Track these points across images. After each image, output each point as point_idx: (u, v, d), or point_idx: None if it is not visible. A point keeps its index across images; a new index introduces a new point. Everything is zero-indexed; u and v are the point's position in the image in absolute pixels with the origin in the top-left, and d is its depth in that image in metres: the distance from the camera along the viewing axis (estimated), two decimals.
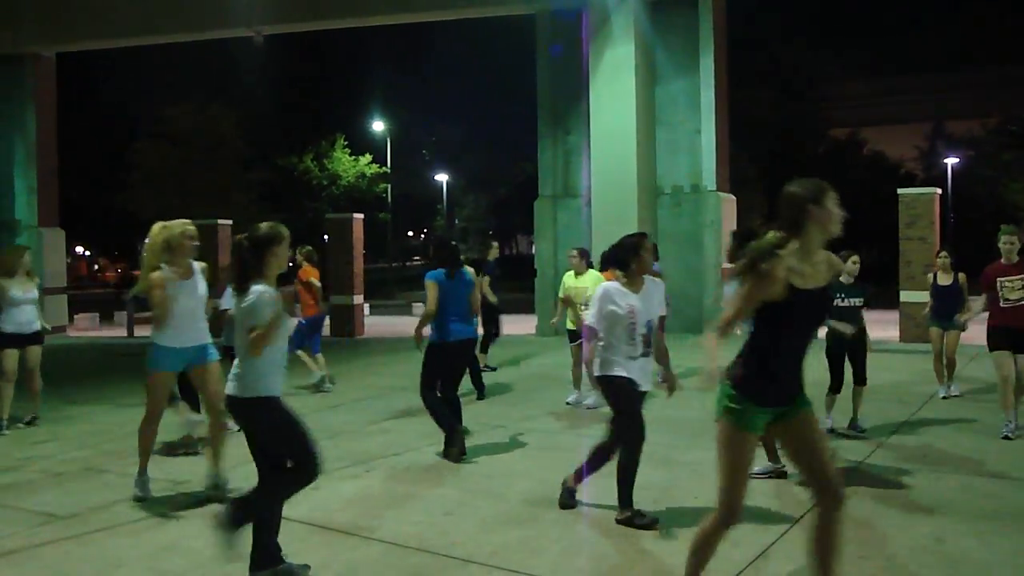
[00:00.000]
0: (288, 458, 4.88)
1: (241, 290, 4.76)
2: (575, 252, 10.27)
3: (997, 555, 4.98)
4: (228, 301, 7.81)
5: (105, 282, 65.70)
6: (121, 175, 42.17)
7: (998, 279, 7.98)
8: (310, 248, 12.05)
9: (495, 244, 14.54)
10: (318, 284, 11.91)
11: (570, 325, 10.15)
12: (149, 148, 41.76)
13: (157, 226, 6.55)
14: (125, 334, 22.76)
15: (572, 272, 10.23)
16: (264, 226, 4.87)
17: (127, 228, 50.15)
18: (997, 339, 8.00)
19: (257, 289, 4.69)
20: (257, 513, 4.81)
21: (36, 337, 9.54)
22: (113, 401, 11.24)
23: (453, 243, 8.40)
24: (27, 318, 9.38)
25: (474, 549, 5.21)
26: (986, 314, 8.21)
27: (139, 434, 6.60)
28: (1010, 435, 7.82)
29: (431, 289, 7.78)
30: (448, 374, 8.01)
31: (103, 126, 48.25)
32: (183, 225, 6.61)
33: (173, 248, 6.45)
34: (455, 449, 7.47)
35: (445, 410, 7.73)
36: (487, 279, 12.62)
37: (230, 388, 4.86)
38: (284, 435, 4.87)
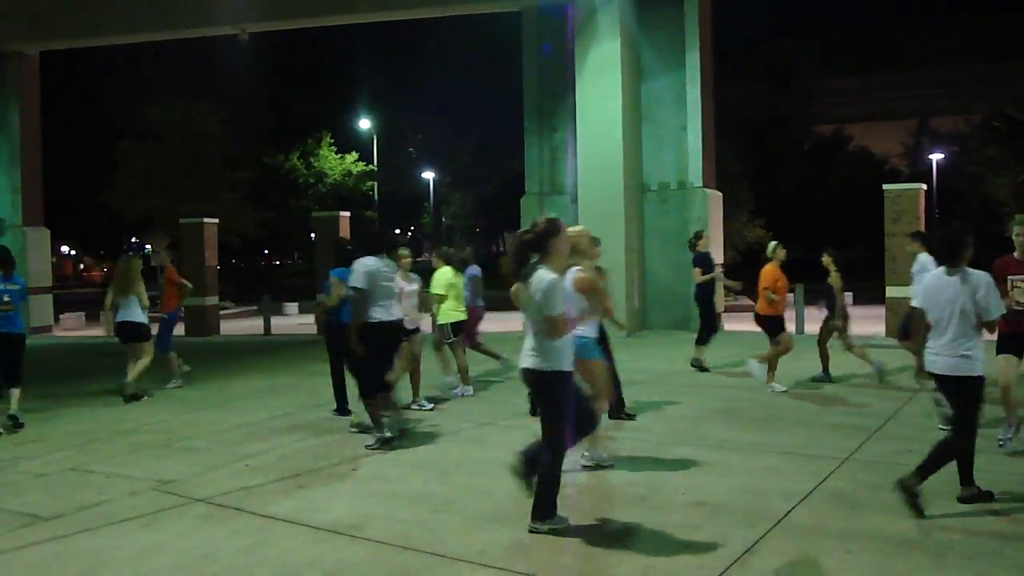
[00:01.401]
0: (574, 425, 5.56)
1: (519, 277, 5.47)
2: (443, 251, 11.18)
3: (983, 546, 4.99)
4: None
5: (91, 281, 65.46)
6: (106, 174, 41.94)
7: (1010, 277, 6.88)
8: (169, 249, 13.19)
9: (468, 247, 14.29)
10: (189, 285, 12.99)
11: (462, 316, 10.83)
12: (135, 147, 41.56)
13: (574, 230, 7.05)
14: (103, 333, 22.65)
15: (448, 268, 10.76)
16: (544, 220, 5.54)
17: (113, 227, 49.94)
18: (1006, 344, 7.04)
19: (548, 277, 5.33)
20: (543, 470, 5.46)
21: None
22: (99, 401, 11.18)
23: (348, 242, 9.90)
24: None
25: (461, 547, 5.20)
26: None
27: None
28: (1007, 441, 7.09)
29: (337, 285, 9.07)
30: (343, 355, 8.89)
31: (88, 125, 48.00)
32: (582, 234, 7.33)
33: (579, 251, 7.04)
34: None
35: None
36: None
37: (531, 363, 5.42)
38: (571, 406, 5.50)
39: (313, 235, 24.56)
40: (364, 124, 52.20)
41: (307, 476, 6.99)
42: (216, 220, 23.24)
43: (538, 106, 19.82)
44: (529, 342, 5.46)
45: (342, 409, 9.72)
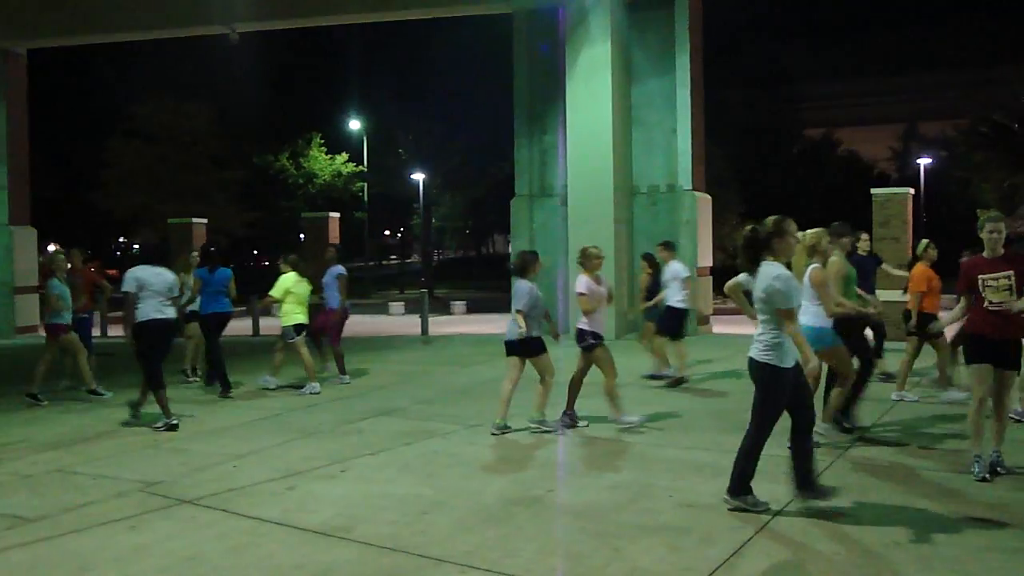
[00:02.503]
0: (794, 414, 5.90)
1: (751, 271, 5.86)
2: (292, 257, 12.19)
3: (968, 550, 5.01)
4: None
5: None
6: (94, 173, 41.81)
7: (980, 277, 6.56)
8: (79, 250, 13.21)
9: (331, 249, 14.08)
10: (109, 286, 13.50)
11: (301, 319, 11.77)
12: (123, 146, 41.43)
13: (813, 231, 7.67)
14: (98, 333, 22.53)
15: (293, 274, 11.76)
16: (773, 218, 6.00)
17: (101, 227, 49.76)
18: (978, 350, 6.60)
19: (781, 274, 5.67)
20: (743, 449, 5.86)
21: None
22: (86, 401, 11.13)
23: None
24: None
25: (450, 548, 5.19)
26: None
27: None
28: (987, 476, 6.41)
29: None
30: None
31: (76, 124, 47.82)
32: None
33: (818, 251, 7.60)
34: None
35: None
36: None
37: (752, 351, 5.75)
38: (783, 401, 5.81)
39: (303, 236, 24.42)
40: (354, 125, 52.13)
41: (295, 477, 6.97)
42: (205, 220, 23.19)
43: (528, 108, 19.82)
44: (757, 331, 5.79)
45: (225, 389, 11.22)
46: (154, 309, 9.02)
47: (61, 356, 11.63)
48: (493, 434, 8.45)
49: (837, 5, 76.33)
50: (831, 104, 64.82)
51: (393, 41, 58.84)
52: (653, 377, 11.88)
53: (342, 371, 12.38)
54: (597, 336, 8.72)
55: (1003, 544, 5.11)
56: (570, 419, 8.74)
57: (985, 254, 6.64)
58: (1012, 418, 7.09)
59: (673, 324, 11.80)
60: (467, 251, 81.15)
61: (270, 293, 11.84)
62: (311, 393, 11.26)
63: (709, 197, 19.61)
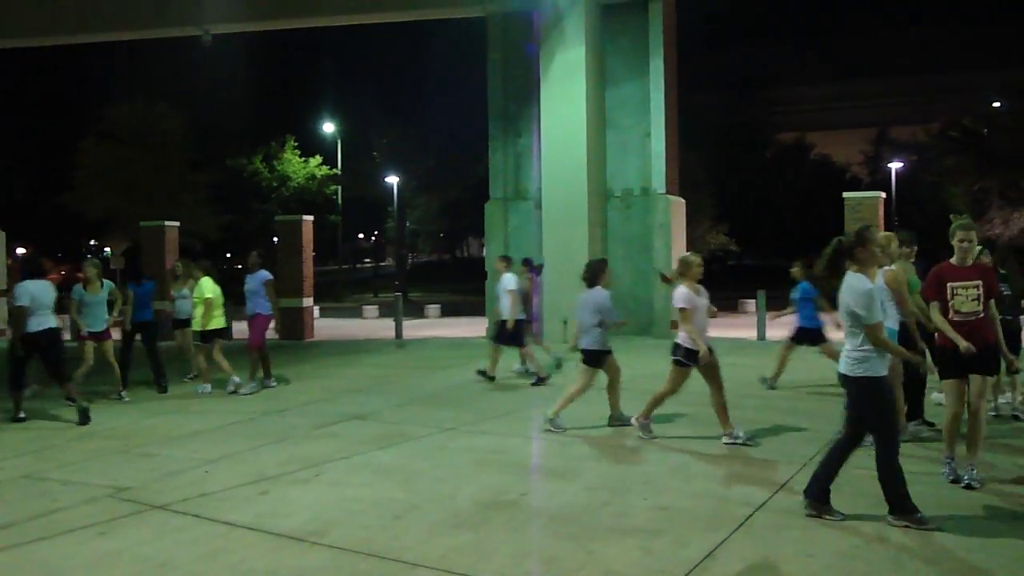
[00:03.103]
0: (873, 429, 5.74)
1: (832, 282, 5.80)
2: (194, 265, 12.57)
3: (937, 551, 5.05)
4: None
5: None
6: (65, 175, 41.41)
7: (949, 284, 6.45)
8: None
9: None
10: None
11: (221, 323, 12.06)
12: (95, 148, 41.04)
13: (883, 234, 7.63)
14: (68, 337, 22.31)
15: (209, 279, 12.03)
16: (857, 228, 5.84)
17: (72, 229, 49.28)
18: (949, 364, 6.48)
19: (862, 287, 5.52)
20: (881, 466, 5.58)
21: None
22: (55, 406, 11.00)
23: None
24: None
25: (423, 553, 5.17)
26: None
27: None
28: (973, 483, 6.28)
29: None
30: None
31: (47, 125, 47.37)
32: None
33: (887, 253, 7.42)
34: None
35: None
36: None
37: (843, 367, 5.64)
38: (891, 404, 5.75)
39: (276, 239, 24.30)
40: (328, 128, 51.97)
41: (268, 482, 6.93)
42: (177, 223, 22.99)
43: (503, 111, 19.83)
44: (845, 344, 5.67)
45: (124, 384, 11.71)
46: (44, 320, 9.76)
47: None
48: (548, 430, 8.67)
49: (810, 10, 77.01)
50: (804, 108, 65.34)
51: (367, 44, 58.77)
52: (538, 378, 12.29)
53: (268, 375, 12.31)
54: (692, 355, 7.88)
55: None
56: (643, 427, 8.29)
57: (954, 261, 6.55)
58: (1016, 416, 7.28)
59: (507, 335, 12.49)
60: (441, 254, 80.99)
61: (195, 299, 12.09)
62: (202, 393, 11.77)
63: (683, 201, 19.70)
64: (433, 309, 35.01)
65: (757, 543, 5.24)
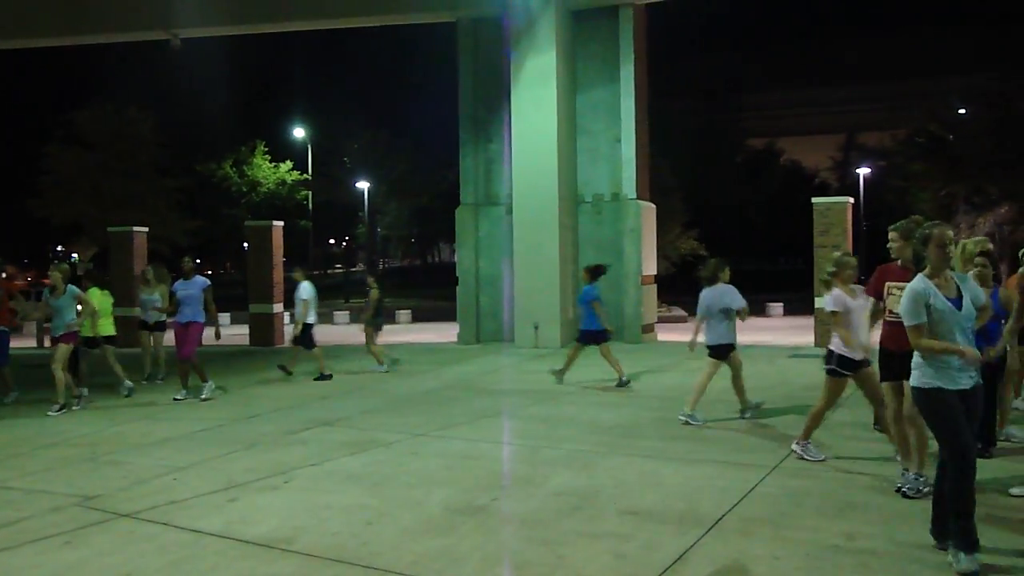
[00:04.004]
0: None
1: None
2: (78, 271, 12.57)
3: (903, 549, 5.10)
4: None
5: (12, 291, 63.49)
6: (31, 180, 40.94)
7: (887, 284, 6.47)
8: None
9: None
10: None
11: (111, 331, 12.44)
12: (61, 153, 40.61)
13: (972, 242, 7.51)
14: (35, 344, 22.10)
15: (96, 288, 12.41)
16: (927, 224, 5.30)
17: (38, 235, 48.73)
18: (886, 365, 6.51)
19: (908, 287, 5.10)
20: (949, 493, 4.93)
21: None
22: (21, 413, 10.88)
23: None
24: None
25: (394, 559, 5.16)
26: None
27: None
28: (909, 492, 6.16)
29: None
30: None
31: (11, 129, 46.84)
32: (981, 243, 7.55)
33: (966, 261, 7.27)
34: None
35: None
36: None
37: (914, 380, 5.13)
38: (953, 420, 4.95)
39: (246, 244, 24.15)
40: (299, 133, 51.78)
41: (238, 489, 6.88)
42: (146, 228, 22.78)
43: (473, 116, 19.83)
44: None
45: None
46: None
47: None
48: (687, 423, 9.09)
49: (780, 17, 77.68)
50: (774, 114, 65.97)
51: (338, 50, 58.58)
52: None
53: (185, 384, 12.00)
54: (846, 363, 7.08)
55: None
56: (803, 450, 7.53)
57: (899, 263, 6.57)
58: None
59: (306, 339, 13.81)
60: (412, 260, 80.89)
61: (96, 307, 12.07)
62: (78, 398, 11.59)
63: (653, 206, 19.78)
64: (404, 314, 34.94)
65: (727, 546, 5.26)
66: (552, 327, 17.79)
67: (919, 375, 5.04)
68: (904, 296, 5.09)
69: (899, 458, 6.56)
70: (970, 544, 4.71)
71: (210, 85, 49.12)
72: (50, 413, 10.71)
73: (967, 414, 4.92)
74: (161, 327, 14.33)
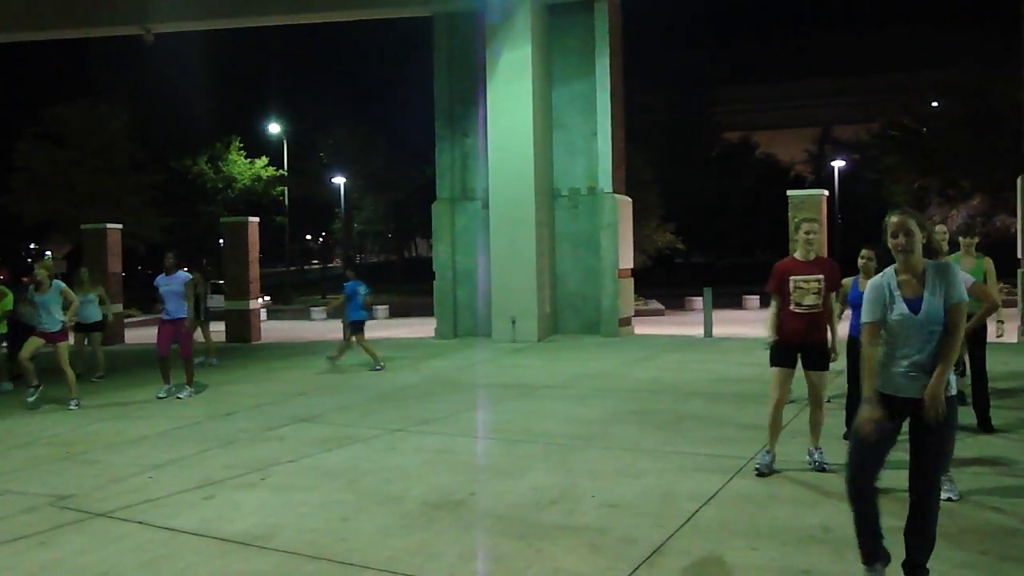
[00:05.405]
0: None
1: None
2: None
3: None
4: None
5: None
6: (2, 177, 40.51)
7: (791, 278, 6.57)
8: None
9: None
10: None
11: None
12: (33, 149, 40.20)
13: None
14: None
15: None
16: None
17: (10, 233, 48.25)
18: (779, 353, 6.63)
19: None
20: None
21: None
22: None
23: None
24: None
25: (371, 555, 5.15)
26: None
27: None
28: (763, 471, 6.59)
29: None
30: None
31: None
32: None
33: None
34: None
35: None
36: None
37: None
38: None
39: (221, 241, 24.00)
40: (274, 128, 51.52)
41: (214, 487, 6.84)
42: (120, 225, 22.60)
43: (449, 111, 19.80)
44: None
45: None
46: None
47: None
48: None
49: (754, 11, 78.03)
50: (749, 108, 66.25)
51: (314, 44, 58.30)
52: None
53: (190, 382, 11.94)
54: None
55: None
56: None
57: (798, 255, 6.68)
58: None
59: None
60: (389, 255, 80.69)
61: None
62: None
63: (630, 199, 19.83)
64: (381, 310, 34.86)
65: (704, 537, 5.29)
66: (529, 321, 17.81)
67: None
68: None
69: (769, 443, 6.76)
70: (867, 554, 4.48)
71: (184, 81, 48.75)
72: (72, 406, 10.89)
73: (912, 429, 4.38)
74: (98, 327, 14.39)
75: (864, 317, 4.43)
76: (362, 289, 13.96)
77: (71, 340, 14.39)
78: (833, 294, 6.69)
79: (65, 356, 11.01)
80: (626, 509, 5.91)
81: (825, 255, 7.07)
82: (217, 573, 4.97)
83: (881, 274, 4.49)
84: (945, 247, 7.11)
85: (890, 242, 4.37)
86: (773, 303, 6.70)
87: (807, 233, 6.56)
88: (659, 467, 7.05)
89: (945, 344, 4.24)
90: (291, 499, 6.43)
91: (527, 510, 5.97)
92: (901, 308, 4.33)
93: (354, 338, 14.04)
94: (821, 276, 6.54)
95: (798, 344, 6.58)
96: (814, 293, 6.48)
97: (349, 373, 13.90)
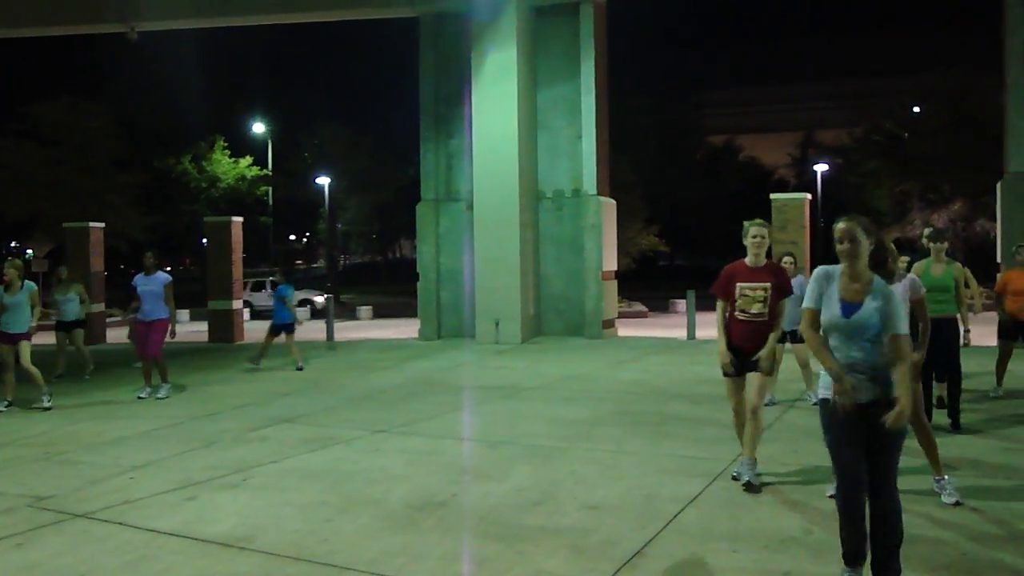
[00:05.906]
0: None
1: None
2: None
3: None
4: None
5: None
6: None
7: (738, 284, 6.42)
8: None
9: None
10: None
11: None
12: (14, 147, 39.85)
13: None
14: None
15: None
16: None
17: None
18: (729, 363, 6.52)
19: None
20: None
21: None
22: None
23: None
24: None
25: (353, 556, 5.14)
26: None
27: None
28: (745, 479, 6.40)
29: None
30: None
31: None
32: None
33: None
34: None
35: None
36: None
37: None
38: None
39: (205, 240, 23.90)
40: (258, 128, 51.34)
41: (196, 487, 6.81)
42: (102, 224, 22.45)
43: (434, 112, 19.79)
44: None
45: None
46: None
47: None
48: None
49: (739, 16, 78.34)
50: (733, 111, 66.42)
51: (299, 44, 58.17)
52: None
53: (165, 379, 11.88)
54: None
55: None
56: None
57: (748, 261, 6.48)
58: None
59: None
60: (373, 256, 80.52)
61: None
62: None
63: (614, 202, 19.86)
64: (365, 311, 34.76)
65: (686, 539, 5.31)
66: (513, 323, 17.81)
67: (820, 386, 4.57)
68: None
69: (744, 453, 6.52)
70: (846, 555, 4.44)
71: (168, 80, 48.49)
72: (45, 403, 10.82)
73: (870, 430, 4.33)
74: (79, 325, 14.47)
75: (804, 303, 4.55)
76: (288, 292, 14.99)
77: (53, 339, 14.40)
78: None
79: (27, 354, 10.88)
80: (608, 511, 5.92)
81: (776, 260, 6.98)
82: (198, 574, 4.95)
83: (829, 266, 4.58)
84: (900, 269, 6.76)
85: (837, 247, 4.46)
86: (719, 307, 6.57)
87: (755, 237, 6.40)
88: (641, 469, 7.06)
89: (896, 371, 4.34)
90: (273, 500, 6.40)
91: (510, 512, 5.97)
92: (834, 308, 4.43)
93: (285, 338, 14.77)
94: (769, 284, 6.38)
95: (747, 351, 6.40)
96: (760, 301, 6.33)
97: (332, 373, 13.87)
